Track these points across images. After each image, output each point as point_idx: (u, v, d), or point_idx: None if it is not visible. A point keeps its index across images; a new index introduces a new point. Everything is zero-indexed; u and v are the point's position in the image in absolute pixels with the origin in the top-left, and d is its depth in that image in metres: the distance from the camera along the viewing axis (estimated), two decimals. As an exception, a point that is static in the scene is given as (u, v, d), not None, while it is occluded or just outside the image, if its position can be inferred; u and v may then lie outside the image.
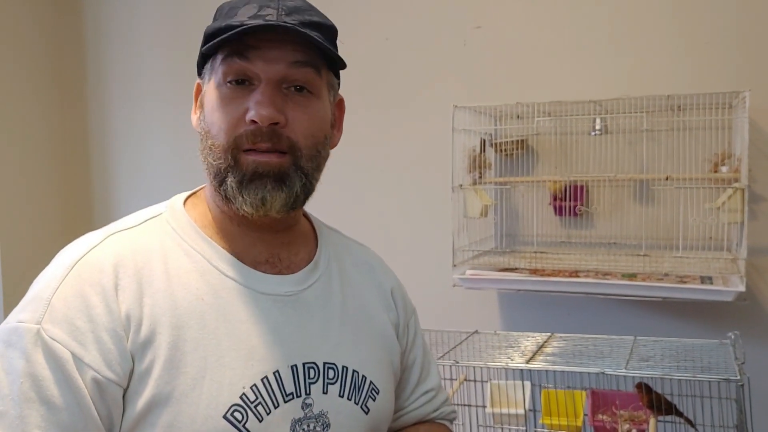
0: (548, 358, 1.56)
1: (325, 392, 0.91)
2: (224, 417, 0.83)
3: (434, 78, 2.39)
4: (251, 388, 0.85)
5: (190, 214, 0.93)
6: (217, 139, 0.87)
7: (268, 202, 0.87)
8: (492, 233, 2.29)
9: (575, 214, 2.17)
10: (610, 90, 2.07)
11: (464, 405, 1.83)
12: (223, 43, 0.86)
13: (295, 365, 0.89)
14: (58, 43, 2.99)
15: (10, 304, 2.70)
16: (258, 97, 0.85)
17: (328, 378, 0.92)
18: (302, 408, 0.89)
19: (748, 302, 1.89)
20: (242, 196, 0.86)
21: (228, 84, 0.87)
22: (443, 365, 1.64)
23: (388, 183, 2.44)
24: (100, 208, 3.00)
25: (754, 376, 1.90)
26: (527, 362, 1.51)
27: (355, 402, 0.94)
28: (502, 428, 1.76)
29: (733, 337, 1.60)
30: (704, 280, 1.91)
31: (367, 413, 0.95)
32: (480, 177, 2.19)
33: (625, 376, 1.43)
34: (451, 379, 1.75)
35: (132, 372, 0.82)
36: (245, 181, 0.86)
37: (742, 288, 1.75)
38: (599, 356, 1.55)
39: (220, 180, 0.88)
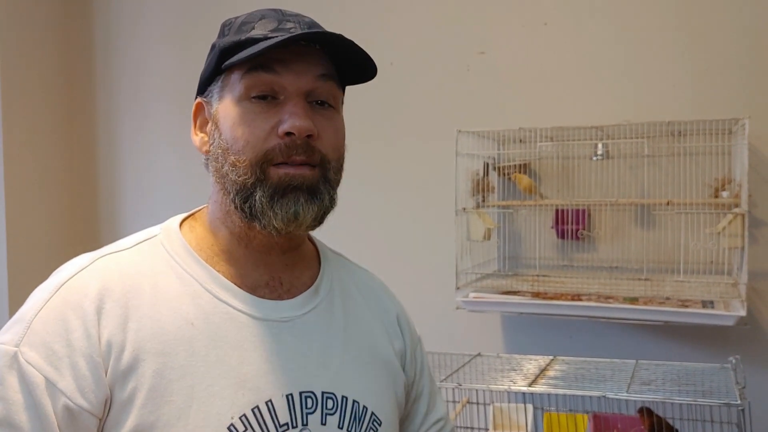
0: (550, 381, 1.57)
1: (323, 423, 0.87)
2: None
3: (438, 102, 2.42)
4: (240, 418, 0.81)
5: (186, 236, 0.90)
6: (243, 155, 0.84)
7: (300, 215, 0.84)
8: (495, 256, 2.30)
9: (577, 238, 2.19)
10: (612, 116, 2.10)
11: (467, 428, 1.84)
12: (245, 58, 0.83)
13: (291, 394, 0.85)
14: (67, 54, 3.03)
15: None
16: (292, 109, 0.83)
17: (326, 408, 0.87)
18: None
19: (749, 326, 1.91)
20: (273, 211, 0.83)
21: (252, 99, 0.84)
22: (446, 387, 1.66)
23: (393, 206, 2.46)
24: (106, 217, 3.02)
25: (755, 401, 1.91)
26: (529, 385, 1.52)
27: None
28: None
29: (734, 361, 1.61)
30: (705, 304, 1.92)
31: None
32: (483, 200, 2.21)
33: (626, 400, 1.44)
34: (454, 402, 1.76)
35: (111, 400, 0.79)
36: (277, 195, 0.83)
37: (743, 312, 1.76)
38: (601, 380, 1.56)
39: (245, 196, 0.84)
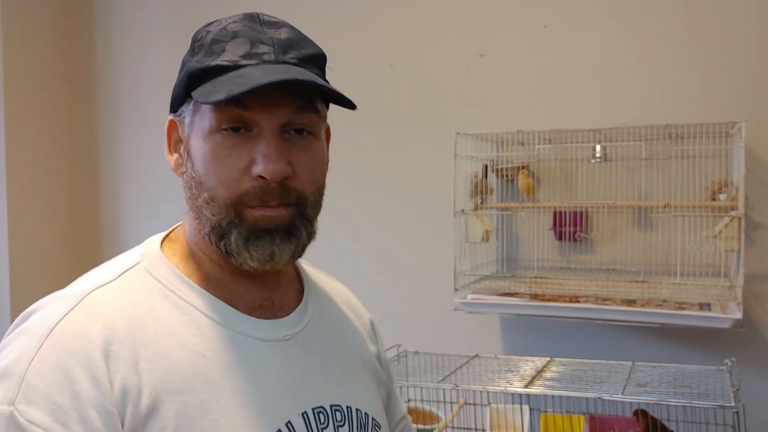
0: (547, 382, 1.58)
1: None
2: None
3: (437, 105, 2.43)
4: None
5: (171, 260, 0.85)
6: (217, 194, 0.80)
7: (276, 256, 0.81)
8: (493, 258, 2.31)
9: (575, 240, 2.20)
10: (610, 119, 2.11)
11: (464, 429, 1.85)
12: (209, 103, 0.78)
13: (305, 412, 0.84)
14: (68, 52, 3.04)
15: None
16: (264, 150, 0.79)
17: (336, 420, 0.88)
18: None
19: (745, 329, 1.91)
20: (248, 252, 0.81)
21: (223, 131, 0.79)
22: (443, 389, 1.67)
23: (391, 207, 2.47)
24: (107, 216, 3.03)
25: (750, 403, 1.92)
26: (526, 386, 1.53)
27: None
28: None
29: (729, 363, 1.62)
30: (702, 306, 1.93)
31: None
32: (482, 202, 2.22)
33: (622, 402, 1.45)
34: (451, 403, 1.77)
35: None
36: (253, 237, 0.80)
37: (739, 315, 1.77)
38: (597, 381, 1.57)
39: (219, 235, 0.81)
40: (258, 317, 0.86)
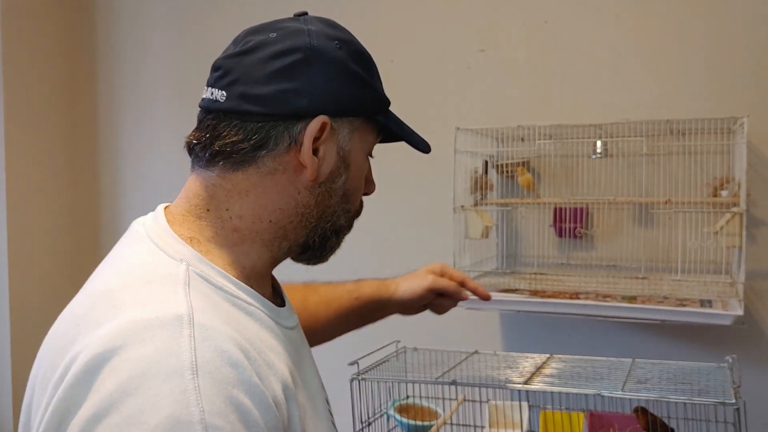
0: (546, 379, 1.57)
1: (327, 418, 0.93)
2: None
3: (438, 100, 2.42)
4: (330, 422, 0.90)
5: (215, 262, 0.81)
6: (355, 206, 0.91)
7: None
8: (494, 254, 2.30)
9: (576, 236, 2.18)
10: (612, 114, 2.10)
11: (463, 425, 1.84)
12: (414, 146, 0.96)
13: (321, 381, 0.94)
14: (68, 53, 3.03)
15: (17, 324, 2.72)
16: (371, 175, 0.95)
17: (322, 384, 0.97)
18: (332, 417, 0.94)
19: (747, 326, 1.90)
20: (335, 252, 0.92)
21: (368, 156, 0.93)
22: (442, 385, 1.65)
23: (390, 203, 2.46)
24: (107, 219, 3.03)
25: (752, 400, 1.90)
26: (525, 383, 1.52)
27: (330, 413, 0.96)
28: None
29: (730, 360, 1.61)
30: (704, 303, 1.92)
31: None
32: (482, 198, 2.21)
33: (622, 398, 1.43)
34: (450, 399, 1.76)
35: None
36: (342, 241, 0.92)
37: (740, 312, 1.75)
38: (597, 378, 1.56)
39: (337, 235, 0.90)
40: (278, 306, 0.88)
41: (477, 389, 1.75)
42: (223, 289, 0.78)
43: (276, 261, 0.88)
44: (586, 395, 1.49)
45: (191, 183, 0.86)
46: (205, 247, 0.81)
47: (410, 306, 1.35)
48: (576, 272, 2.16)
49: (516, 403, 1.82)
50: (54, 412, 0.67)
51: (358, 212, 0.93)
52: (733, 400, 1.35)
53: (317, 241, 0.88)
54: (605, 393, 1.42)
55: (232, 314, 0.76)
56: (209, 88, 0.85)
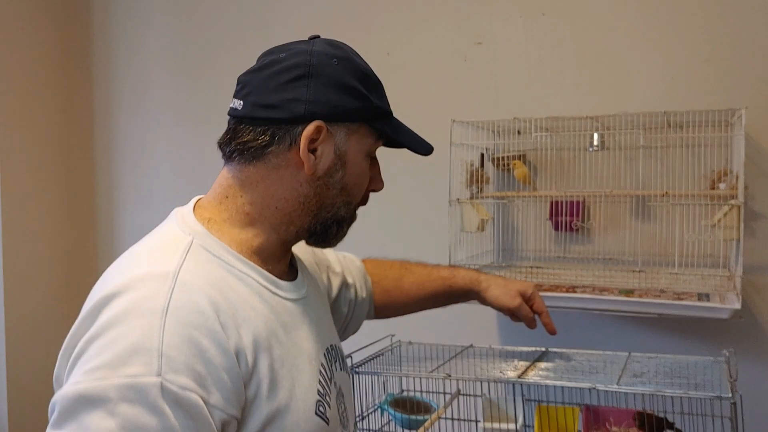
0: (541, 372, 1.56)
1: (337, 369, 1.10)
2: (315, 413, 0.97)
3: (435, 93, 2.40)
4: (318, 383, 1.00)
5: (222, 240, 0.98)
6: (356, 198, 1.06)
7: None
8: (490, 248, 2.29)
9: (572, 230, 2.17)
10: (609, 106, 2.08)
11: (458, 419, 1.82)
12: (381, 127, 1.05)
13: (325, 354, 1.06)
14: (65, 54, 3.01)
15: (12, 324, 2.70)
16: (379, 173, 1.10)
17: (334, 357, 1.10)
18: (335, 387, 1.07)
19: (744, 319, 1.89)
20: (342, 238, 1.08)
21: (369, 157, 1.06)
22: (436, 378, 1.64)
23: (385, 196, 2.43)
24: (103, 215, 3.01)
25: (750, 394, 1.89)
26: (519, 376, 1.50)
27: (346, 372, 1.15)
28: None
29: (727, 354, 1.59)
30: (701, 297, 1.90)
31: (349, 377, 1.19)
32: (479, 191, 2.19)
33: (617, 392, 1.42)
34: (445, 393, 1.75)
35: (245, 400, 0.88)
36: (349, 229, 1.08)
37: (738, 305, 1.74)
38: (592, 372, 1.55)
39: (339, 224, 1.06)
40: (288, 281, 1.05)
41: (472, 383, 1.74)
42: (221, 258, 0.96)
43: (286, 243, 1.05)
44: (581, 389, 1.48)
45: (219, 176, 1.05)
46: (218, 226, 1.00)
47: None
48: (573, 266, 2.14)
49: (511, 398, 1.81)
50: (71, 336, 0.87)
51: (360, 205, 1.09)
52: (730, 394, 1.34)
53: (319, 228, 1.04)
54: (600, 387, 1.41)
55: (222, 278, 0.93)
56: (234, 99, 1.02)
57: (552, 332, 1.53)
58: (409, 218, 2.41)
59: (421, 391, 1.81)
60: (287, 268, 1.08)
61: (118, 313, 0.84)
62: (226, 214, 1.01)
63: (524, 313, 1.50)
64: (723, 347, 1.68)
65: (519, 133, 2.21)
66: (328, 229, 1.05)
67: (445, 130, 2.06)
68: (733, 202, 1.80)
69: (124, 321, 0.83)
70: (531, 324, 1.52)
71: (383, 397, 1.75)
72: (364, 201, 1.10)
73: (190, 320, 0.85)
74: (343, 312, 1.38)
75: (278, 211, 1.01)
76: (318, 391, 1.00)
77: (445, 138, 2.05)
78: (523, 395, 1.77)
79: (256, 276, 0.98)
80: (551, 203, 2.19)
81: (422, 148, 1.11)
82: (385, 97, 1.09)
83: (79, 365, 0.82)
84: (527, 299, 1.51)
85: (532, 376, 1.53)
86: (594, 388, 1.41)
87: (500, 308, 1.50)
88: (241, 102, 1.01)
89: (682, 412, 1.52)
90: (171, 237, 0.97)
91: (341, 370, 1.13)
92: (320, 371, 1.02)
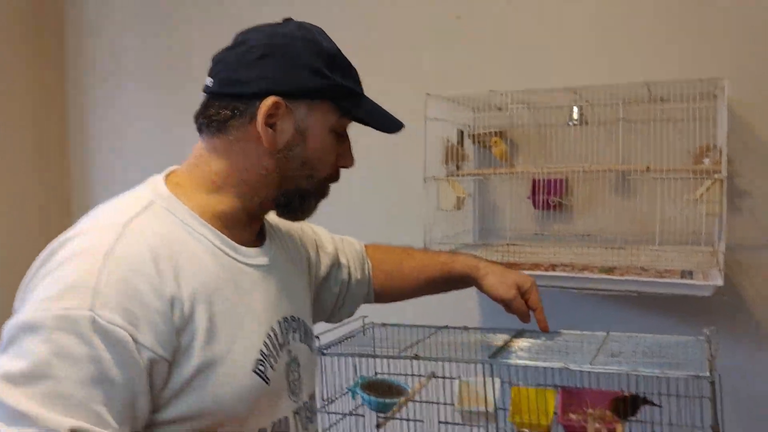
0: (515, 353, 1.50)
1: (294, 339, 1.15)
2: (253, 371, 1.02)
3: (411, 67, 2.33)
4: (264, 344, 1.06)
5: (184, 202, 1.05)
6: (320, 172, 1.11)
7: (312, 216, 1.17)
8: (469, 227, 2.22)
9: (551, 207, 2.11)
10: (588, 78, 2.01)
11: (432, 403, 1.76)
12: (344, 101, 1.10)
13: (280, 320, 1.12)
14: (37, 29, 2.94)
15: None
16: (349, 150, 1.14)
17: (293, 328, 1.15)
18: (287, 354, 1.12)
19: (728, 297, 1.83)
20: (311, 211, 1.14)
21: (335, 133, 1.11)
22: (404, 359, 1.58)
23: (359, 173, 2.35)
24: (78, 194, 2.95)
25: (732, 374, 1.84)
26: (490, 357, 1.44)
27: (307, 344, 1.20)
28: (471, 427, 1.70)
29: (708, 333, 1.53)
30: (684, 274, 1.84)
31: (311, 351, 1.23)
32: (458, 168, 2.12)
33: (591, 372, 1.36)
34: (413, 375, 1.69)
35: (178, 345, 0.94)
36: (318, 202, 1.14)
37: (720, 282, 1.68)
38: (568, 352, 1.49)
39: (303, 198, 1.11)
40: (250, 248, 1.11)
41: (447, 366, 1.68)
42: (181, 219, 1.03)
43: (250, 212, 1.11)
44: (554, 369, 1.42)
45: (194, 147, 1.12)
46: (185, 191, 1.07)
47: None
48: (553, 244, 2.08)
49: (488, 380, 1.74)
50: (29, 274, 0.96)
51: (327, 180, 1.13)
52: (708, 374, 1.28)
53: (283, 200, 1.11)
54: (573, 367, 1.35)
55: (176, 235, 1.01)
56: (207, 77, 1.09)
57: (544, 330, 1.52)
58: (383, 196, 2.35)
59: (395, 374, 1.75)
60: (254, 237, 1.14)
61: (68, 255, 0.93)
62: (194, 181, 1.08)
63: (517, 306, 1.48)
64: (706, 326, 1.62)
65: (500, 109, 2.14)
66: (291, 202, 1.11)
67: (421, 105, 1.98)
68: (716, 176, 1.74)
69: (70, 262, 0.92)
70: (524, 318, 1.50)
71: (355, 381, 1.69)
72: (334, 177, 1.15)
73: (128, 264, 0.92)
74: (334, 291, 1.43)
75: (242, 181, 1.08)
76: (261, 351, 1.05)
77: (421, 113, 1.97)
78: (501, 377, 1.71)
79: (213, 238, 1.05)
80: (532, 182, 2.13)
81: (388, 126, 1.15)
82: (354, 77, 1.12)
83: (28, 299, 0.91)
84: (524, 293, 1.48)
85: (505, 357, 1.47)
86: (566, 368, 1.35)
87: (495, 298, 1.48)
88: (212, 79, 1.08)
89: (659, 392, 1.47)
90: (135, 196, 1.05)
91: (301, 341, 1.17)
92: (269, 335, 1.08)
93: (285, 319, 1.14)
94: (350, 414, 1.72)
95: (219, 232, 1.06)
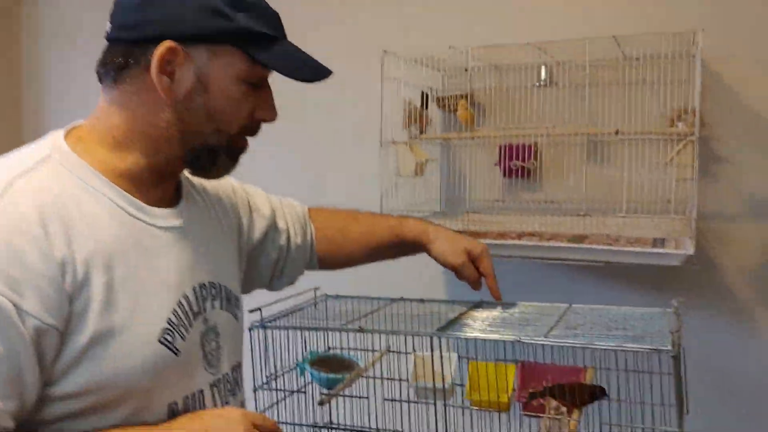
0: (468, 326, 1.40)
1: (213, 308, 1.07)
2: (159, 341, 0.95)
3: (365, 23, 2.20)
4: (173, 312, 0.98)
5: (85, 158, 0.97)
6: (227, 126, 1.00)
7: (229, 173, 1.08)
8: (434, 195, 2.11)
9: (522, 175, 2.00)
10: (555, 34, 1.89)
11: (385, 378, 1.66)
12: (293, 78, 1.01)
13: (195, 287, 1.03)
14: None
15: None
16: (270, 102, 1.04)
17: (212, 295, 1.07)
18: (203, 323, 1.04)
19: (700, 267, 1.73)
20: (225, 169, 1.05)
21: (245, 83, 0.99)
22: (361, 336, 1.49)
23: (311, 135, 2.25)
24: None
25: (702, 348, 1.75)
26: (440, 329, 1.34)
27: (230, 312, 1.12)
28: (420, 404, 1.60)
29: (676, 304, 1.43)
30: (656, 243, 1.74)
31: (236, 319, 1.15)
32: (422, 132, 2.01)
33: (544, 345, 1.26)
34: (369, 351, 1.59)
35: (70, 313, 0.87)
36: (231, 159, 1.04)
37: (690, 251, 1.58)
38: (525, 324, 1.38)
39: (211, 154, 1.01)
40: (160, 208, 1.02)
41: (404, 339, 1.57)
42: (78, 176, 0.94)
43: (157, 170, 1.01)
44: (513, 344, 1.32)
45: (99, 100, 1.03)
46: (86, 147, 0.98)
47: None
48: (521, 213, 1.97)
49: (446, 355, 1.64)
50: None
51: (241, 135, 1.03)
52: (670, 347, 1.18)
53: (191, 157, 1.02)
54: (525, 339, 1.25)
55: (72, 193, 0.92)
56: (107, 22, 1.00)
57: (496, 298, 1.46)
58: (338, 161, 2.22)
59: (349, 349, 1.65)
60: (168, 197, 1.06)
61: None
62: (96, 136, 1.00)
63: (467, 273, 1.42)
64: (679, 298, 1.52)
65: (466, 70, 2.03)
66: (199, 159, 1.02)
67: (377, 63, 1.86)
68: (688, 138, 1.63)
69: None
70: (475, 286, 1.45)
71: (305, 356, 1.59)
72: (249, 131, 1.05)
73: (11, 226, 0.84)
74: (272, 257, 1.35)
75: (144, 136, 0.99)
76: (169, 320, 0.97)
77: (377, 72, 1.85)
78: (458, 352, 1.62)
79: (115, 197, 0.96)
80: (500, 148, 2.02)
81: (305, 74, 1.03)
82: (267, 18, 1.01)
83: None
84: (474, 259, 1.42)
85: (457, 330, 1.37)
86: (519, 341, 1.25)
87: (443, 264, 1.43)
88: (110, 25, 0.99)
89: (617, 368, 1.36)
90: (30, 151, 0.96)
91: (222, 309, 1.10)
92: (180, 302, 1.00)
93: (202, 286, 1.06)
94: (297, 392, 1.63)
95: (123, 191, 0.98)
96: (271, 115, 1.05)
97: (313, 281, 1.64)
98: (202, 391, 1.04)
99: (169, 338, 0.96)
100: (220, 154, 1.02)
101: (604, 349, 1.25)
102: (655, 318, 1.44)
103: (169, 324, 0.97)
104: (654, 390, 1.38)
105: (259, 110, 1.04)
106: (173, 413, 0.99)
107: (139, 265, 0.96)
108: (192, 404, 1.02)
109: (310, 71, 1.04)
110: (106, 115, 1.00)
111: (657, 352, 1.19)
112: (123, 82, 0.98)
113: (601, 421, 1.33)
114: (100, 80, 1.01)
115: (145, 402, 0.95)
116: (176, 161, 1.02)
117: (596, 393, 1.35)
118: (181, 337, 0.98)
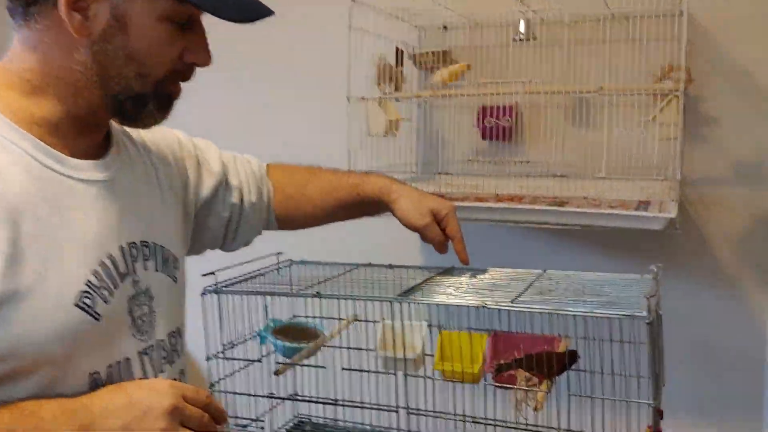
0: (434, 292, 1.31)
1: (145, 269, 1.00)
2: (75, 305, 0.87)
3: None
4: (93, 274, 0.90)
5: None
6: (151, 70, 0.92)
7: (162, 122, 0.98)
8: (410, 157, 2.02)
9: (503, 138, 1.91)
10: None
11: (352, 348, 1.59)
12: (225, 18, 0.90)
13: (122, 246, 0.96)
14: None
15: None
16: (202, 44, 0.95)
17: (144, 255, 1.00)
18: (132, 286, 0.97)
19: (683, 232, 1.64)
20: (154, 118, 0.96)
21: (171, 22, 0.91)
22: (328, 303, 1.41)
23: (274, 89, 2.14)
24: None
25: (681, 315, 1.67)
26: (401, 295, 1.26)
27: (167, 274, 1.05)
28: (391, 374, 1.52)
29: (655, 269, 1.34)
30: (640, 206, 1.65)
31: (175, 282, 1.07)
32: (396, 90, 1.91)
33: (510, 311, 1.18)
34: (336, 319, 1.52)
35: None
36: (163, 105, 0.96)
37: (673, 214, 1.49)
38: (493, 290, 1.30)
39: (138, 102, 0.93)
40: (82, 160, 0.94)
41: (372, 306, 1.49)
42: None
43: (81, 118, 0.93)
44: (485, 310, 1.23)
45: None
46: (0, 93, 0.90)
47: None
48: (500, 176, 1.88)
49: (415, 324, 1.56)
50: None
51: (169, 80, 0.94)
52: (644, 313, 1.09)
53: (113, 104, 0.93)
54: (491, 304, 1.17)
55: None
56: None
57: (464, 261, 1.37)
58: (303, 118, 2.12)
59: (315, 318, 1.56)
60: (96, 148, 0.98)
61: None
62: (8, 80, 0.91)
63: (432, 235, 1.34)
64: (661, 263, 1.44)
65: (445, 28, 1.92)
66: (123, 105, 0.94)
67: (345, 13, 1.75)
68: (673, 93, 1.54)
69: None
70: (440, 248, 1.36)
71: (266, 324, 1.51)
72: (180, 76, 0.96)
73: None
74: (224, 216, 1.28)
75: (60, 80, 0.91)
76: (88, 282, 0.89)
77: (344, 22, 1.74)
78: (429, 320, 1.53)
79: (27, 146, 0.88)
80: (479, 109, 1.93)
81: (232, 12, 0.92)
82: None
83: None
84: (440, 220, 1.34)
85: (421, 296, 1.28)
86: (484, 306, 1.17)
87: (407, 224, 1.34)
88: None
89: (594, 337, 1.28)
90: None
91: (157, 270, 1.03)
92: (103, 262, 0.92)
93: (131, 245, 0.98)
94: (257, 360, 1.55)
95: (39, 141, 0.90)
96: (203, 58, 0.96)
97: (282, 247, 1.55)
98: (128, 360, 0.96)
99: (87, 302, 0.88)
100: (147, 101, 0.94)
101: (577, 316, 1.17)
102: (633, 284, 1.36)
103: (89, 286, 0.89)
104: (630, 360, 1.30)
105: (190, 53, 0.95)
106: (96, 384, 0.91)
107: (53, 221, 0.88)
108: (117, 373, 0.94)
109: (239, 10, 0.93)
110: (19, 58, 0.92)
111: (630, 319, 1.11)
112: (32, 20, 0.89)
113: (569, 393, 1.24)
114: (12, 17, 0.92)
115: (61, 371, 0.87)
116: (99, 109, 0.94)
117: (567, 361, 1.27)
118: (104, 301, 0.91)
